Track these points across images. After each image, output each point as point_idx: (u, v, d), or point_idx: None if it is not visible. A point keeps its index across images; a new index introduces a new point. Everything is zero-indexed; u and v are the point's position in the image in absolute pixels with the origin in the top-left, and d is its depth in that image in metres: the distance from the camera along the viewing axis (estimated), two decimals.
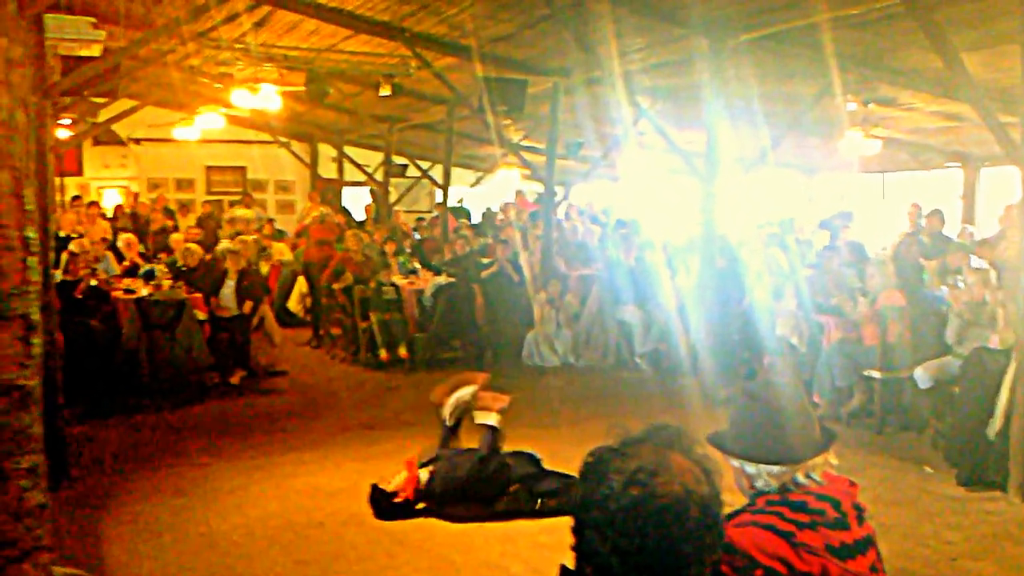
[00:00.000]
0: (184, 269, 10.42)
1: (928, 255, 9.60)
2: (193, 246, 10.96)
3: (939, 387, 7.14)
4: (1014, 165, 6.13)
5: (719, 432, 2.33)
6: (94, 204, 15.70)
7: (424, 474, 5.84)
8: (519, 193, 17.62)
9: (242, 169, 19.61)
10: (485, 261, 12.19)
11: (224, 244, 10.67)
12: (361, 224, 15.93)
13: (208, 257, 11.00)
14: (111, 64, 9.77)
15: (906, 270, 8.78)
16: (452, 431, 6.14)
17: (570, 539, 1.47)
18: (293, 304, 13.73)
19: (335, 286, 11.20)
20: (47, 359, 4.60)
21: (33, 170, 2.37)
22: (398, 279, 11.30)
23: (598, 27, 8.73)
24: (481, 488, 5.80)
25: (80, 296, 9.14)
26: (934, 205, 11.27)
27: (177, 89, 14.33)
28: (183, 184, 19.39)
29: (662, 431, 1.50)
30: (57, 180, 13.93)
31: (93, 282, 9.52)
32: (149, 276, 10.51)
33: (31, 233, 2.25)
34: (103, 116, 14.60)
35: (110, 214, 16.05)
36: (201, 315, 9.61)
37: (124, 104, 14.20)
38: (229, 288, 9.82)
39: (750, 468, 2.25)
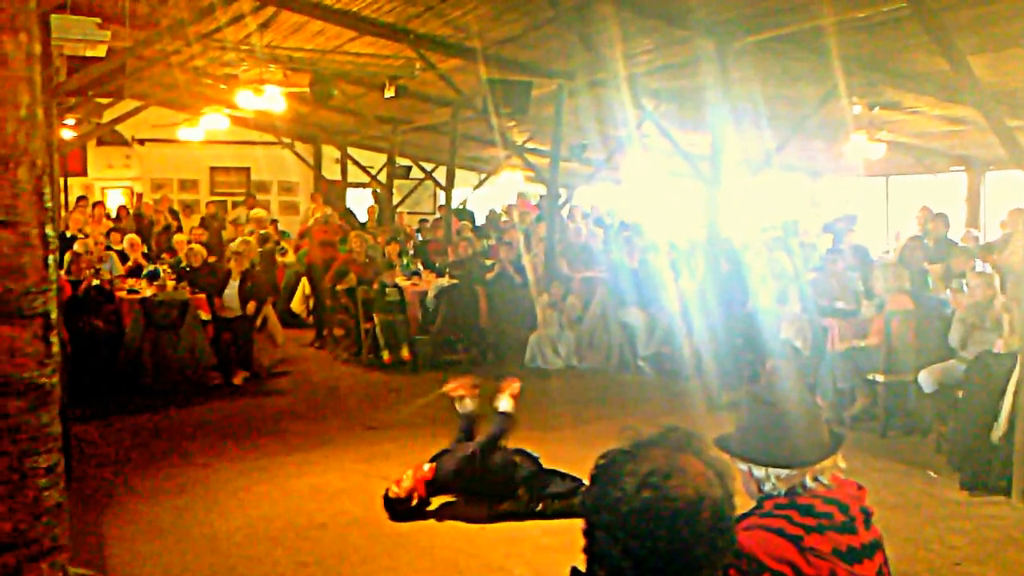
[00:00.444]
0: (188, 270, 10.43)
1: (932, 259, 9.59)
2: (197, 247, 10.97)
3: (943, 391, 7.12)
4: (1019, 169, 6.12)
5: (726, 435, 2.32)
6: (99, 204, 15.73)
7: (429, 467, 5.84)
8: (520, 195, 17.63)
9: (246, 170, 19.63)
10: (488, 263, 12.19)
11: (236, 243, 10.68)
12: (364, 225, 15.94)
13: (212, 258, 11.01)
14: (116, 64, 9.80)
15: (911, 274, 8.77)
16: (471, 424, 6.12)
17: (574, 541, 1.46)
18: (296, 305, 13.74)
19: (338, 287, 11.20)
20: None
21: (49, 168, 2.38)
22: (401, 280, 11.30)
23: (603, 29, 8.73)
24: (488, 479, 5.81)
25: (81, 295, 9.15)
26: (938, 209, 11.26)
27: (182, 90, 14.37)
28: (187, 185, 19.41)
29: (675, 434, 1.50)
30: (61, 180, 13.95)
31: (95, 282, 9.53)
32: (153, 276, 10.53)
33: (50, 231, 2.26)
34: (107, 116, 14.64)
35: (113, 214, 16.07)
36: (204, 316, 9.62)
37: (128, 104, 14.24)
38: (232, 289, 9.83)
39: (758, 471, 2.25)
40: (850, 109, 9.20)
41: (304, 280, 13.40)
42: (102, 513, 5.82)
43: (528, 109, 10.74)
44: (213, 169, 19.47)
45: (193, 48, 11.41)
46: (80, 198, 16.24)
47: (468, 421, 6.12)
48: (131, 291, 9.70)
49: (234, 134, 17.36)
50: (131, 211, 16.43)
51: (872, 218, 14.43)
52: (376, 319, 10.53)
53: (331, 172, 19.28)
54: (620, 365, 10.71)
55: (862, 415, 7.97)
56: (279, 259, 13.83)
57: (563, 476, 5.93)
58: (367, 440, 7.65)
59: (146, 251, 13.01)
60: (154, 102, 16.05)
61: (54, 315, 2.27)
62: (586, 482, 1.50)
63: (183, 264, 10.76)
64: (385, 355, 10.43)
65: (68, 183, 16.47)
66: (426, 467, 5.83)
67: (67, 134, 13.33)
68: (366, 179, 17.88)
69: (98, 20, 7.72)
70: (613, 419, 8.17)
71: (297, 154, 18.99)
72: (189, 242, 11.91)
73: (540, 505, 5.79)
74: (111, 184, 18.89)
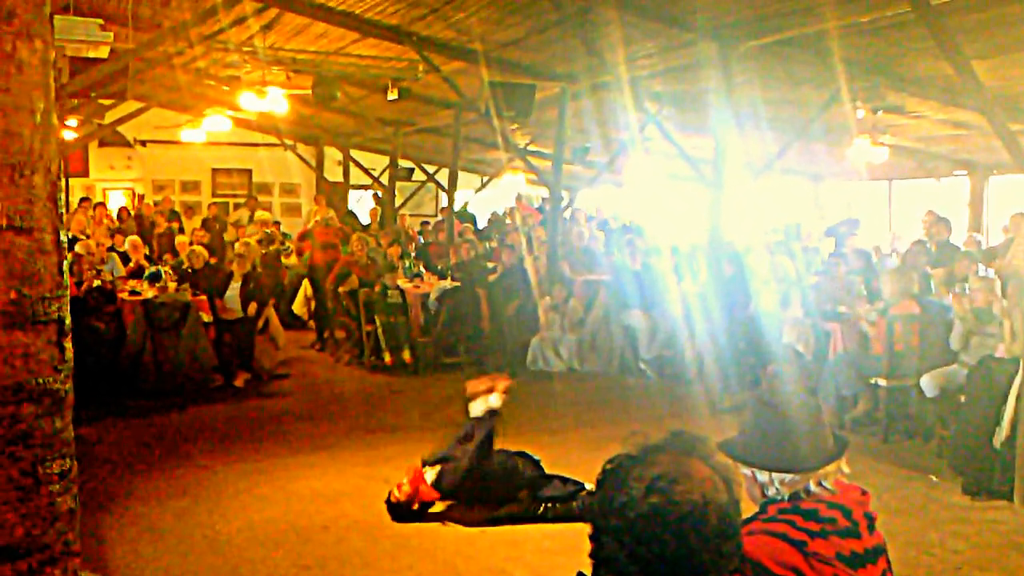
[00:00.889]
0: (189, 271, 10.43)
1: (934, 263, 9.57)
2: (198, 248, 10.96)
3: (945, 395, 7.11)
4: (1022, 173, 6.11)
5: (729, 439, 2.31)
6: (101, 205, 15.74)
7: (431, 473, 5.84)
8: (519, 197, 17.62)
9: (248, 172, 19.66)
10: (490, 265, 12.18)
11: (238, 245, 10.68)
12: (366, 227, 15.94)
13: (213, 260, 11.00)
14: (119, 66, 9.80)
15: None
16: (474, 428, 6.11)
17: (574, 544, 1.46)
18: (298, 307, 13.73)
19: (340, 289, 11.20)
20: None
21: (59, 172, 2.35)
22: (403, 283, 11.29)
23: (606, 32, 8.74)
24: (489, 483, 5.81)
25: (81, 296, 9.14)
26: (942, 214, 11.23)
27: (184, 91, 14.38)
28: (189, 186, 19.43)
29: (681, 438, 1.49)
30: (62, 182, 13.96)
31: (97, 283, 9.52)
32: (154, 278, 10.52)
33: (64, 236, 2.21)
34: (109, 117, 14.66)
35: (115, 216, 16.07)
36: (206, 317, 9.61)
37: (131, 106, 14.25)
38: (234, 291, 9.82)
39: (761, 476, 2.24)
40: (853, 113, 9.18)
41: (306, 282, 13.40)
42: (103, 515, 5.81)
43: (531, 112, 10.74)
44: (215, 171, 19.50)
45: (196, 50, 11.41)
46: (83, 199, 16.26)
47: (473, 425, 6.10)
48: (133, 292, 9.69)
49: (236, 136, 17.38)
50: (132, 212, 16.44)
51: (875, 222, 14.41)
52: (378, 321, 10.53)
53: (333, 174, 19.29)
54: (622, 368, 10.70)
55: (864, 419, 7.95)
56: (284, 260, 13.84)
57: (564, 480, 5.92)
58: (369, 443, 7.65)
59: (148, 252, 13.01)
60: (156, 103, 16.07)
61: (68, 321, 2.23)
62: (587, 485, 1.50)
63: (185, 266, 10.75)
64: (387, 357, 10.42)
65: (70, 184, 16.51)
66: (427, 476, 5.83)
67: (69, 135, 13.34)
68: (368, 181, 17.88)
69: (101, 21, 7.70)
70: (615, 422, 8.16)
71: (299, 156, 19.00)
72: (191, 244, 11.91)
73: (541, 508, 5.77)
74: (113, 185, 18.91)
